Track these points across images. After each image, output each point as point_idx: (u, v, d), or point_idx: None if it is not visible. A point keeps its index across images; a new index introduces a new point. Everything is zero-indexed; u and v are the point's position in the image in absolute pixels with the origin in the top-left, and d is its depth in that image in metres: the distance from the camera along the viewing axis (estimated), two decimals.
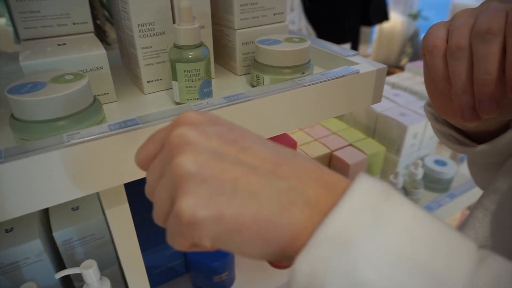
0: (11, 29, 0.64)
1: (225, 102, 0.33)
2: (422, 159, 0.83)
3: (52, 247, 0.46)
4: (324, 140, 0.77)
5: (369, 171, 0.77)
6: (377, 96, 0.45)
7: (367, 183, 0.18)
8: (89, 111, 0.31)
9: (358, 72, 0.41)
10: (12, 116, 0.30)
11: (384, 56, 2.83)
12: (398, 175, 0.73)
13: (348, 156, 0.72)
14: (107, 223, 0.47)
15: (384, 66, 0.44)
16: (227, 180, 0.18)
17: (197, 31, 0.35)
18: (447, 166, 0.81)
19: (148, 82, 0.41)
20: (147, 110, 0.38)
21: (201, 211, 0.18)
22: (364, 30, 2.51)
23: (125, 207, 0.34)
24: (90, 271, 0.40)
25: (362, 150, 0.74)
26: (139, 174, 0.31)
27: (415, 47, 2.78)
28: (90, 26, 0.40)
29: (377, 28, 2.80)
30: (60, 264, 0.48)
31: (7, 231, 0.44)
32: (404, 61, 2.78)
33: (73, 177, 0.28)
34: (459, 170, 0.88)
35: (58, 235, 0.45)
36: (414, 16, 2.76)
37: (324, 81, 0.39)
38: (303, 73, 0.41)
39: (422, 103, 0.83)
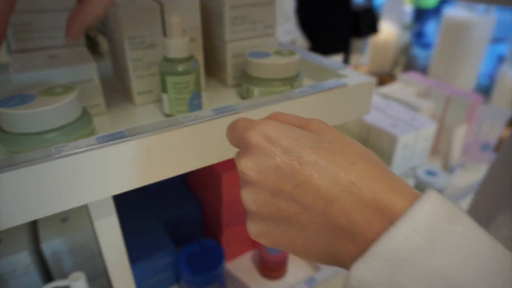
0: None
1: (214, 115, 0.33)
2: (413, 169, 0.84)
3: (40, 259, 0.46)
4: None
5: None
6: (365, 108, 0.46)
7: (432, 204, 0.18)
8: (78, 124, 0.31)
9: (346, 85, 0.42)
10: (1, 128, 0.30)
11: (378, 66, 2.86)
12: None
13: None
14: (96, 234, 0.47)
15: (372, 79, 0.45)
16: (282, 217, 0.22)
17: (186, 44, 0.36)
18: (438, 176, 0.82)
19: (139, 93, 0.41)
20: (137, 122, 0.38)
21: (261, 239, 0.23)
22: (358, 40, 2.54)
23: (113, 219, 0.34)
24: (78, 283, 0.40)
25: None
26: (127, 186, 0.31)
27: (408, 58, 2.81)
28: (81, 38, 0.40)
29: (371, 39, 2.84)
30: (48, 277, 0.47)
31: None
32: (397, 70, 2.82)
33: (61, 189, 0.28)
34: (450, 181, 0.88)
35: (47, 247, 0.44)
36: (407, 27, 2.80)
37: (312, 94, 0.39)
38: (292, 85, 0.42)
39: (414, 114, 0.84)
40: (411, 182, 0.76)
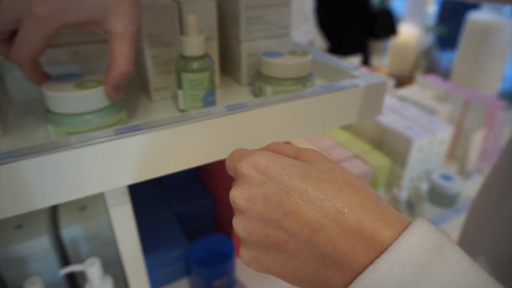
0: None
1: (226, 111, 0.35)
2: (428, 173, 0.83)
3: (58, 245, 0.48)
4: (329, 151, 0.78)
5: (374, 183, 0.77)
6: (377, 110, 0.46)
7: (418, 236, 0.19)
8: (111, 109, 0.34)
9: (357, 86, 0.42)
10: (47, 109, 0.33)
11: (398, 68, 2.82)
12: (401, 188, 0.73)
13: (353, 167, 0.73)
14: (111, 223, 0.49)
15: (384, 80, 0.45)
16: (271, 244, 0.23)
17: (202, 43, 0.37)
18: (453, 181, 0.81)
19: (156, 89, 0.42)
20: (153, 116, 0.40)
21: (253, 265, 0.24)
22: (378, 42, 2.51)
23: (128, 208, 0.36)
24: (93, 269, 0.42)
25: (366, 161, 0.75)
26: (141, 177, 0.33)
27: (429, 60, 2.76)
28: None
29: (392, 41, 2.80)
30: (65, 262, 0.50)
31: (17, 227, 0.46)
32: (418, 73, 2.77)
33: (79, 177, 0.30)
34: (465, 186, 0.87)
35: (66, 233, 0.47)
36: (429, 29, 2.75)
37: (323, 93, 0.40)
38: (304, 85, 0.42)
39: (430, 117, 0.83)
40: (425, 185, 0.76)
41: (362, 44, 2.05)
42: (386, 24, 2.18)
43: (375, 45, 2.54)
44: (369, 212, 0.20)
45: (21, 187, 0.28)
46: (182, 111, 0.40)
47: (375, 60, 2.66)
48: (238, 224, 0.24)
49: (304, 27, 1.75)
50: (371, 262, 0.19)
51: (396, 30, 2.22)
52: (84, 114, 0.32)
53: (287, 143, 0.45)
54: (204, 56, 0.38)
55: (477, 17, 1.71)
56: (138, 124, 0.32)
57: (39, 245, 0.45)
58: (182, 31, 0.41)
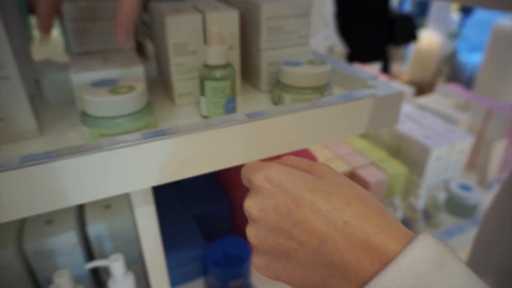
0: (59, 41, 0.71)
1: (246, 119, 0.36)
2: (446, 182, 0.83)
3: (84, 240, 0.51)
4: (346, 158, 0.78)
5: (390, 191, 0.77)
6: (393, 120, 0.47)
7: (421, 250, 0.20)
8: (142, 113, 0.36)
9: (374, 95, 0.43)
10: (85, 112, 0.36)
11: (419, 75, 2.79)
12: (418, 196, 0.73)
13: (369, 174, 0.74)
14: (135, 222, 0.51)
15: (401, 90, 0.46)
16: (281, 253, 0.24)
17: (225, 53, 0.39)
18: (473, 191, 0.80)
19: (180, 95, 0.45)
20: (177, 121, 0.42)
21: (264, 272, 0.26)
22: (398, 48, 2.49)
23: (152, 208, 0.38)
24: (116, 264, 0.44)
25: (383, 169, 0.75)
26: (165, 179, 0.35)
27: (452, 67, 2.71)
28: (131, 42, 0.45)
29: (413, 47, 2.77)
30: (90, 257, 0.52)
31: (47, 222, 0.49)
32: (440, 80, 2.73)
33: (108, 177, 0.32)
34: (485, 197, 0.86)
35: (92, 229, 0.49)
36: (453, 35, 2.70)
37: (340, 103, 0.41)
38: (322, 94, 0.44)
39: (449, 126, 0.83)
40: (443, 195, 0.75)
41: (381, 50, 2.04)
42: (406, 30, 2.16)
43: (395, 51, 2.52)
44: (375, 225, 0.21)
45: (57, 185, 0.30)
46: (204, 117, 0.42)
47: (395, 67, 2.63)
48: (251, 232, 0.25)
49: (324, 32, 1.76)
50: (376, 273, 0.20)
51: (416, 35, 2.20)
52: (116, 118, 0.35)
53: (304, 150, 0.47)
54: (227, 65, 0.40)
55: (503, 24, 1.68)
56: (164, 130, 0.34)
57: (67, 240, 0.48)
58: (205, 40, 0.43)
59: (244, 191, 0.63)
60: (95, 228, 0.49)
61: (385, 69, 2.02)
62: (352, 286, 0.21)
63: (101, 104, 0.34)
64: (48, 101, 0.46)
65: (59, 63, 0.64)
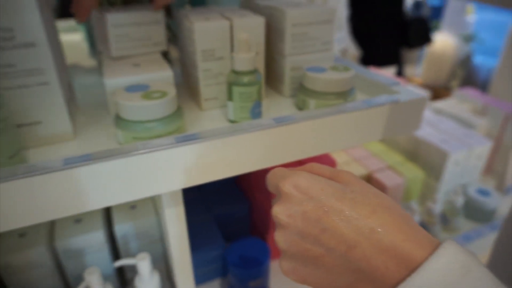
0: (83, 45, 0.73)
1: (274, 124, 0.37)
2: (463, 187, 0.82)
3: (111, 239, 0.52)
4: (363, 161, 0.79)
5: (407, 194, 0.77)
6: (416, 124, 0.47)
7: (447, 257, 0.20)
8: (172, 117, 0.37)
9: (398, 101, 0.44)
10: (118, 116, 0.37)
11: (433, 78, 2.76)
12: (436, 201, 0.73)
13: (386, 178, 0.74)
14: (159, 223, 0.53)
15: (424, 96, 0.46)
16: (309, 258, 0.25)
17: (252, 59, 0.40)
18: (491, 196, 0.80)
19: (206, 100, 0.46)
20: (203, 125, 0.43)
21: (291, 276, 0.27)
22: (412, 51, 2.48)
23: (181, 209, 0.39)
24: (144, 263, 0.45)
25: (400, 173, 0.75)
26: (195, 181, 0.36)
27: (467, 70, 2.69)
28: (164, 45, 0.47)
29: (427, 49, 2.75)
30: (116, 256, 0.54)
31: (76, 221, 0.50)
32: (454, 83, 2.70)
33: (143, 179, 0.33)
34: (503, 202, 0.85)
35: (118, 229, 0.51)
36: (467, 38, 2.68)
37: (365, 108, 0.42)
38: (345, 99, 0.45)
39: (467, 131, 0.83)
40: (461, 200, 0.75)
41: (395, 53, 2.03)
42: (420, 33, 2.15)
43: (409, 54, 2.50)
44: (401, 232, 0.22)
45: (95, 186, 0.32)
46: (231, 121, 0.43)
47: (408, 70, 2.62)
48: (280, 238, 0.26)
49: (337, 35, 1.77)
50: (403, 279, 0.21)
51: (430, 38, 2.18)
52: (149, 122, 0.36)
53: (324, 154, 0.47)
54: (254, 71, 0.41)
55: None
56: (196, 134, 0.35)
57: (95, 239, 0.49)
58: (232, 46, 0.44)
59: (264, 193, 0.64)
60: (121, 228, 0.51)
61: (399, 73, 2.01)
62: None
63: (135, 108, 0.36)
64: (79, 104, 0.47)
65: (86, 67, 0.66)
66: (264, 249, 0.60)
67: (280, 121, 0.38)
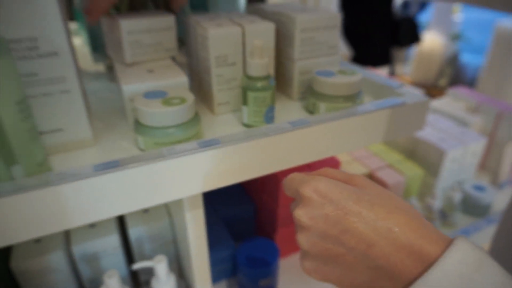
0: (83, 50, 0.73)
1: (291, 127, 0.39)
2: (460, 183, 0.85)
3: (125, 243, 0.53)
4: (364, 160, 0.81)
5: (407, 192, 0.80)
6: (420, 125, 0.49)
7: (461, 253, 0.22)
8: (190, 124, 0.38)
9: (404, 104, 0.46)
10: (138, 121, 0.38)
11: (422, 77, 2.82)
12: (435, 197, 0.75)
13: (387, 176, 0.76)
14: (172, 225, 0.54)
15: (427, 98, 0.48)
16: (330, 257, 0.27)
17: (266, 65, 0.41)
18: (486, 192, 0.83)
19: (219, 104, 0.47)
20: (218, 129, 0.44)
21: (313, 274, 0.28)
22: (400, 50, 2.52)
23: (201, 211, 0.40)
24: (161, 265, 0.46)
25: (400, 171, 0.78)
26: (216, 184, 0.37)
27: (455, 68, 2.75)
28: (175, 51, 0.48)
29: (415, 49, 2.80)
30: (130, 259, 0.55)
31: (90, 226, 0.51)
32: (442, 81, 2.76)
33: (169, 183, 0.34)
34: (498, 197, 0.88)
35: (132, 232, 0.52)
36: (454, 37, 2.74)
37: (374, 111, 0.44)
38: (354, 102, 0.46)
39: (462, 129, 0.86)
40: (458, 196, 0.78)
41: (386, 52, 2.06)
42: (410, 32, 2.19)
43: (397, 53, 2.55)
44: (416, 231, 0.24)
45: (124, 191, 0.33)
46: (245, 125, 0.44)
47: (397, 68, 2.66)
48: (302, 239, 0.28)
49: None
50: (420, 274, 0.23)
51: (419, 37, 2.23)
52: (169, 128, 0.37)
53: (331, 157, 0.48)
54: (268, 77, 0.42)
55: (505, 25, 1.71)
56: (217, 139, 0.36)
57: (109, 243, 0.50)
58: (244, 52, 0.45)
59: (270, 194, 0.65)
60: (135, 232, 0.52)
61: (392, 72, 2.04)
62: (397, 286, 0.24)
63: (157, 115, 0.37)
64: (92, 109, 0.48)
65: (92, 72, 0.66)
66: (273, 249, 0.62)
67: (296, 125, 0.39)
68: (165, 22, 0.46)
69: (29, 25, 0.33)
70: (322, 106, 0.46)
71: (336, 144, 0.43)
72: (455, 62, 2.74)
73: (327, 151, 0.43)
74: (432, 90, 2.45)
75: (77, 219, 0.32)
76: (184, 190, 0.36)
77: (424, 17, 2.68)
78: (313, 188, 0.28)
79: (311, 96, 0.47)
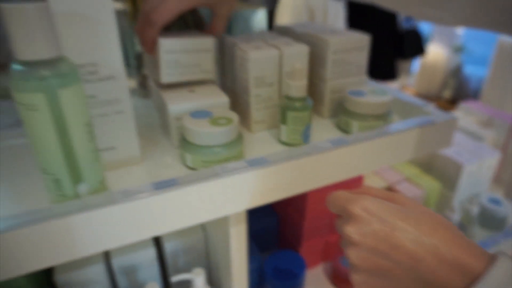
0: None
1: (331, 146, 0.41)
2: (476, 196, 0.87)
3: (160, 256, 0.55)
4: (382, 174, 0.83)
5: (425, 205, 0.81)
6: (447, 142, 0.51)
7: (504, 268, 0.24)
8: (234, 143, 0.40)
9: (434, 123, 0.48)
10: (185, 139, 0.40)
11: (426, 88, 2.86)
12: (454, 210, 0.77)
13: (406, 190, 0.78)
14: (206, 238, 0.55)
15: (455, 117, 0.50)
16: (379, 270, 0.29)
17: (305, 87, 0.44)
18: (502, 205, 0.84)
19: (256, 122, 0.49)
20: (257, 147, 0.46)
21: (362, 287, 0.30)
22: (404, 61, 2.56)
23: (244, 227, 0.42)
24: (200, 278, 0.48)
25: (418, 184, 0.80)
26: (260, 201, 0.39)
27: (458, 80, 2.78)
28: (212, 74, 0.49)
29: (419, 60, 2.84)
30: (163, 271, 0.56)
31: None
32: (446, 93, 2.79)
33: (216, 201, 0.36)
34: None
35: (168, 246, 0.53)
36: (457, 49, 2.78)
37: (406, 130, 0.46)
38: (385, 120, 0.48)
39: (476, 143, 0.88)
40: (475, 209, 0.79)
41: (391, 66, 2.10)
42: (414, 44, 2.23)
43: (401, 64, 2.58)
44: (461, 247, 0.26)
45: (182, 208, 0.35)
46: (283, 142, 0.46)
47: (401, 79, 2.69)
48: (352, 254, 0.30)
49: None
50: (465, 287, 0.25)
51: (424, 49, 2.27)
52: (216, 147, 0.39)
53: (359, 178, 0.50)
54: (306, 98, 0.44)
55: (507, 39, 1.74)
56: (266, 158, 0.38)
57: (147, 256, 0.52)
58: (280, 73, 0.48)
59: (295, 207, 0.67)
60: (171, 245, 0.53)
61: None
62: None
63: (206, 134, 0.39)
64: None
65: None
66: (299, 262, 0.63)
67: (336, 144, 0.41)
68: (205, 44, 0.47)
69: (91, 52, 0.35)
70: (355, 124, 0.48)
71: (369, 161, 0.45)
72: (459, 74, 2.78)
73: (362, 168, 0.45)
74: (434, 100, 2.48)
75: (135, 235, 0.34)
76: (232, 207, 0.38)
77: (426, 27, 2.72)
78: (361, 206, 0.30)
79: (344, 114, 0.49)
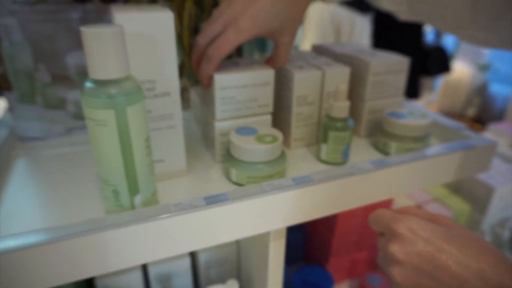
0: None
1: (373, 168, 0.42)
2: (507, 220, 0.85)
3: (194, 266, 0.56)
4: (410, 194, 0.82)
5: None
6: (485, 167, 0.51)
7: None
8: (278, 161, 0.41)
9: (474, 147, 0.48)
10: (231, 155, 0.41)
11: (449, 105, 2.82)
12: (484, 233, 0.76)
13: (436, 211, 0.77)
14: (238, 250, 0.56)
15: (494, 142, 0.50)
16: None
17: (347, 107, 0.45)
18: None
19: (295, 140, 0.50)
20: (297, 164, 0.47)
21: None
22: (428, 78, 2.54)
23: (283, 242, 0.43)
24: None
25: (447, 205, 0.79)
26: (302, 219, 0.40)
27: (483, 99, 2.74)
28: (270, 108, 0.46)
29: (442, 77, 2.81)
30: (195, 281, 0.57)
31: None
32: (471, 111, 2.75)
33: (266, 215, 0.37)
34: None
35: (202, 256, 0.54)
36: (483, 67, 2.74)
37: (446, 153, 0.46)
38: (423, 143, 0.49)
39: (507, 165, 0.86)
40: (507, 233, 0.78)
41: (414, 83, 2.09)
42: (439, 61, 2.21)
43: (425, 81, 2.56)
44: (506, 272, 0.27)
45: (226, 222, 0.36)
46: (323, 161, 0.47)
47: (423, 96, 2.67)
48: (396, 272, 0.31)
49: None
50: None
51: (449, 67, 2.25)
52: (260, 163, 0.40)
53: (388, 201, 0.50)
54: (348, 118, 0.45)
55: None
56: (311, 177, 0.39)
57: (182, 264, 0.53)
58: (322, 92, 0.49)
59: (325, 224, 0.67)
60: (205, 255, 0.55)
61: (415, 97, 2.06)
62: None
63: (253, 151, 0.40)
64: None
65: None
66: (327, 277, 0.64)
67: (378, 165, 0.42)
68: (265, 77, 0.44)
69: (151, 70, 0.37)
70: (393, 145, 0.49)
71: (408, 183, 0.46)
72: (484, 92, 2.73)
73: (400, 190, 0.46)
74: (457, 118, 2.44)
75: (182, 247, 0.35)
76: (276, 223, 0.39)
77: (450, 45, 2.70)
78: (406, 226, 0.31)
79: (382, 135, 0.50)
